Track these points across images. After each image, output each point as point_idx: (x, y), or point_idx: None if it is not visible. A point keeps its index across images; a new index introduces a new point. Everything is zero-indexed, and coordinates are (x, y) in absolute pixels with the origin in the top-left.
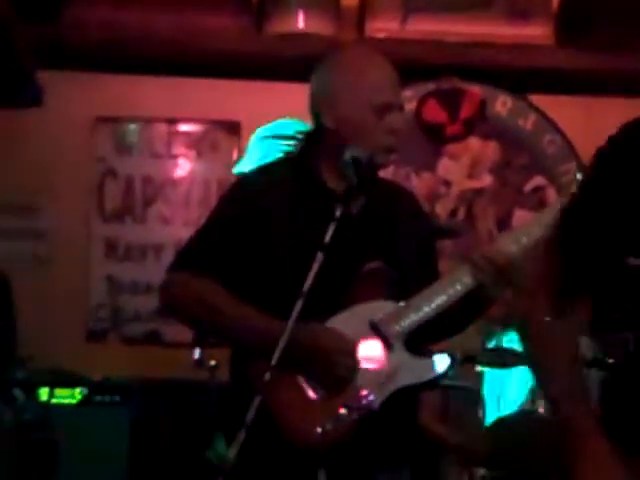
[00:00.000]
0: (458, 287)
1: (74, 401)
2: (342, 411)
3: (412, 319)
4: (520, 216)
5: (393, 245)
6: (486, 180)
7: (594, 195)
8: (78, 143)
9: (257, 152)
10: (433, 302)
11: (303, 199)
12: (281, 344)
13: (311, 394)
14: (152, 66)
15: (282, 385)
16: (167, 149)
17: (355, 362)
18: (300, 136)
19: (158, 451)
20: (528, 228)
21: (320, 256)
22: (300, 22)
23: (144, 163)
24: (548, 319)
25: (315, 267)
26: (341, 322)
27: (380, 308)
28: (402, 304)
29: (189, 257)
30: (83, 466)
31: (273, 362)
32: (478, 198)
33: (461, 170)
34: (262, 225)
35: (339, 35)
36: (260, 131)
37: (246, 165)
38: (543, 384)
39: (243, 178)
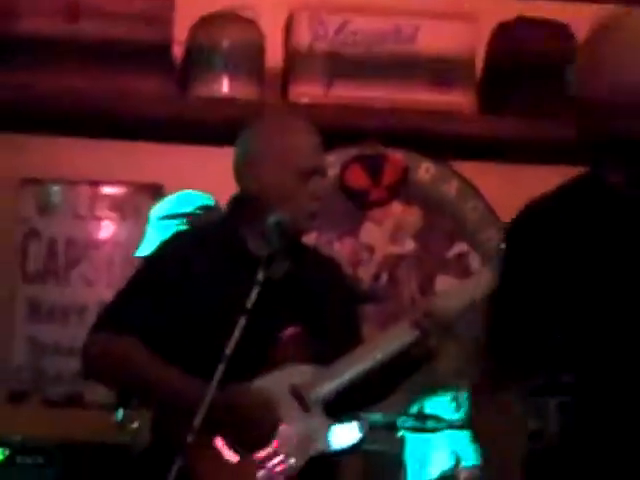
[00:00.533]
0: (392, 346)
1: None
2: (261, 474)
3: (333, 385)
4: (443, 281)
5: (316, 310)
6: (409, 245)
7: (504, 277)
8: (1, 204)
9: (155, 233)
10: (356, 367)
11: (227, 263)
12: (203, 407)
13: (231, 457)
14: (76, 128)
15: (203, 448)
16: (90, 211)
17: (275, 419)
18: (199, 212)
19: None
20: (464, 287)
21: (242, 320)
22: (224, 86)
23: (67, 225)
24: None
25: (237, 331)
26: (263, 384)
27: (301, 373)
28: (324, 369)
29: (111, 318)
30: None
31: (195, 424)
32: (401, 263)
33: (384, 235)
34: (185, 287)
35: (263, 99)
36: (157, 210)
37: (145, 248)
38: None
39: (168, 240)
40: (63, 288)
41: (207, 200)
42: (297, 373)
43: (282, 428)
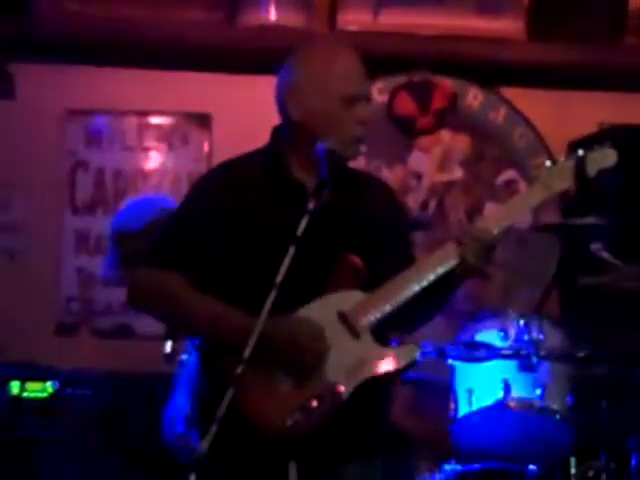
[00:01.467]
0: (437, 269)
1: (45, 395)
2: (312, 402)
3: (381, 310)
4: (491, 208)
5: (364, 235)
6: (457, 173)
7: None
8: (49, 136)
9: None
10: (404, 292)
11: (273, 194)
12: (253, 337)
13: (280, 384)
14: (123, 58)
15: (251, 377)
16: (138, 142)
17: (323, 347)
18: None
19: (128, 445)
20: (509, 210)
21: (292, 249)
22: (272, 15)
23: (115, 155)
24: None
25: (287, 260)
26: (310, 312)
27: (349, 298)
28: (372, 294)
29: (157, 252)
30: (53, 459)
31: (246, 355)
32: (449, 191)
33: (432, 163)
34: (232, 219)
35: (311, 28)
36: (115, 224)
37: (106, 267)
38: None
39: (212, 173)
40: (111, 219)
41: (166, 204)
42: (345, 299)
43: (331, 354)
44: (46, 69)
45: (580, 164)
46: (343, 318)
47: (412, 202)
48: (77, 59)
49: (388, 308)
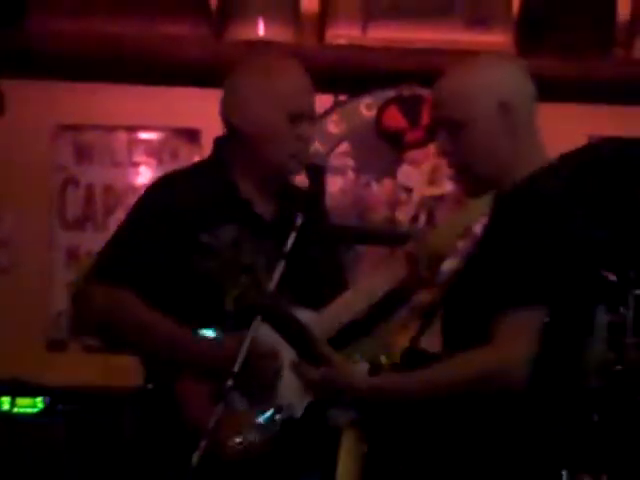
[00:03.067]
0: (386, 284)
1: (36, 410)
2: (262, 420)
3: (331, 328)
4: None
5: (306, 252)
6: (447, 186)
7: None
8: (39, 151)
9: None
10: (354, 307)
11: (218, 208)
12: (242, 351)
13: (235, 404)
14: (112, 74)
15: (207, 397)
16: (128, 157)
17: (279, 366)
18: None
19: (120, 460)
20: (454, 219)
21: (282, 264)
22: (260, 29)
23: (105, 171)
24: None
25: (277, 275)
26: (262, 331)
27: (300, 317)
28: (322, 313)
29: (107, 268)
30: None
31: (236, 369)
32: (439, 205)
33: (422, 177)
34: (178, 235)
35: (299, 42)
36: None
37: None
38: None
39: (160, 184)
40: (101, 235)
41: None
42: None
43: (284, 374)
44: (36, 85)
45: None
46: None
47: (402, 216)
48: (67, 75)
49: (339, 326)
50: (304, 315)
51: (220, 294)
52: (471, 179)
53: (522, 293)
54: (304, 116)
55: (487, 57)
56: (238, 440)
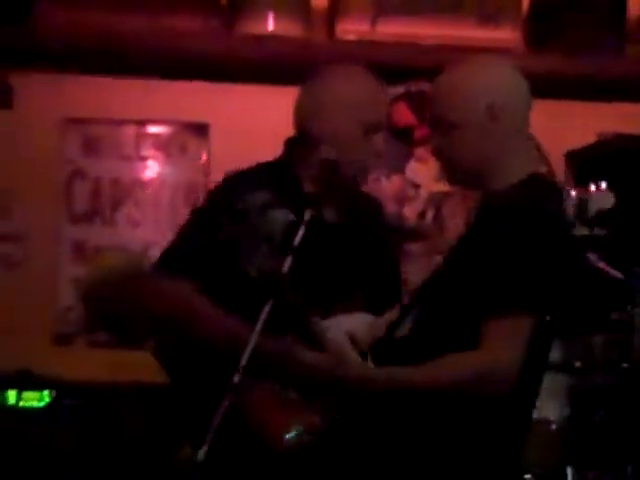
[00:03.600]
0: None
1: (42, 404)
2: (315, 420)
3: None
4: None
5: (367, 258)
6: None
7: None
8: (47, 144)
9: None
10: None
11: (282, 205)
12: (250, 345)
13: (288, 398)
14: (121, 67)
15: (257, 388)
16: (136, 151)
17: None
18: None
19: (127, 455)
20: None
21: (289, 259)
22: (270, 24)
23: (112, 164)
24: None
25: (286, 269)
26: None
27: (358, 320)
28: (378, 317)
29: (168, 259)
30: (50, 468)
31: (243, 363)
32: (446, 201)
33: (429, 173)
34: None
35: (309, 37)
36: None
37: None
38: None
39: (226, 182)
40: (108, 229)
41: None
42: (355, 321)
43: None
44: (44, 78)
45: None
46: (353, 340)
47: (410, 212)
48: (75, 68)
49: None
50: (365, 318)
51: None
52: (457, 175)
53: (512, 299)
54: (379, 127)
55: (482, 59)
56: (293, 433)
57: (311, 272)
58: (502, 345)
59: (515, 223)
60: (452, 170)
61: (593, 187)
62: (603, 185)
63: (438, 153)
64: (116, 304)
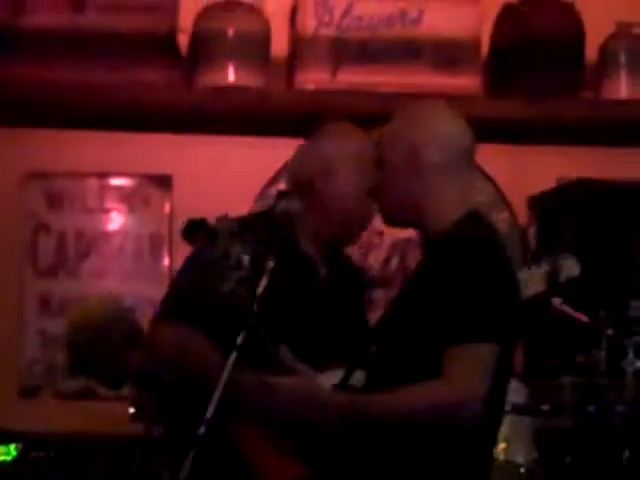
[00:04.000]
0: None
1: (9, 458)
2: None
3: None
4: None
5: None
6: None
7: None
8: (10, 198)
9: None
10: None
11: (279, 262)
12: (218, 390)
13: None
14: (82, 120)
15: (258, 433)
16: (99, 203)
17: None
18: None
19: None
20: None
21: (255, 308)
22: (230, 75)
23: (76, 217)
24: None
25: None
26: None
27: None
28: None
29: (178, 308)
30: None
31: (209, 415)
32: (411, 247)
33: None
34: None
35: (269, 87)
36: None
37: None
38: None
39: (222, 233)
40: (74, 281)
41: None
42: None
43: None
44: (5, 132)
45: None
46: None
47: (374, 260)
48: (36, 122)
49: None
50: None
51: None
52: (388, 214)
53: (472, 329)
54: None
55: (420, 104)
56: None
57: (301, 323)
58: (463, 373)
59: (460, 254)
60: (383, 209)
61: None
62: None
63: (373, 193)
64: (100, 348)
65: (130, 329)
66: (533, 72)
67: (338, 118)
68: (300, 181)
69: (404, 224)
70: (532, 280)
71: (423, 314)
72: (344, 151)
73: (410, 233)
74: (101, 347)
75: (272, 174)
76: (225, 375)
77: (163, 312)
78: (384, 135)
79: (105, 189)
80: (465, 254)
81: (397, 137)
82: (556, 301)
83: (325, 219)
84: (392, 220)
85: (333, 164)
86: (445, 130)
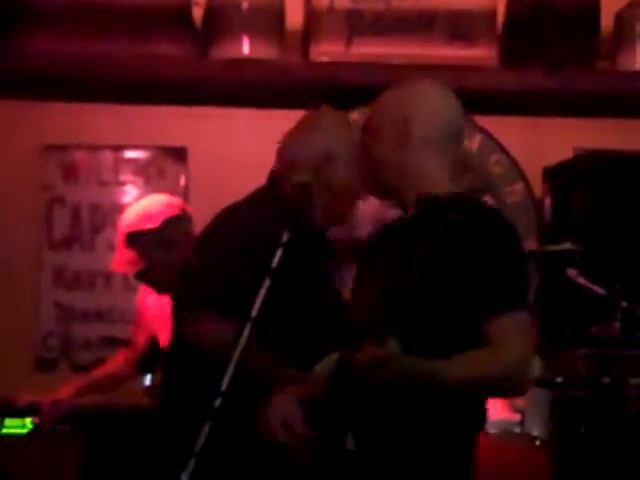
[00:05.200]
0: None
1: (24, 431)
2: None
3: None
4: None
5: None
6: None
7: None
8: (25, 171)
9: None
10: None
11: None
12: (231, 367)
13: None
14: (98, 93)
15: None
16: (114, 176)
17: None
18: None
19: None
20: None
21: (267, 282)
22: (245, 47)
23: (91, 190)
24: None
25: (262, 293)
26: None
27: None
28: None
29: (216, 301)
30: None
31: (223, 388)
32: None
33: None
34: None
35: (284, 60)
36: (126, 223)
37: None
38: None
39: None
40: (88, 254)
41: (176, 204)
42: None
43: None
44: (22, 105)
45: None
46: None
47: None
48: (53, 95)
49: None
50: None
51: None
52: (374, 184)
53: (512, 297)
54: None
55: (415, 80)
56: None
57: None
58: (516, 340)
59: (488, 225)
60: (368, 178)
61: None
62: None
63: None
64: None
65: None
66: (549, 43)
67: (352, 90)
68: (308, 166)
69: (386, 194)
70: None
71: (454, 283)
72: (341, 138)
73: None
74: None
75: None
76: (241, 345)
77: (207, 302)
78: (376, 106)
79: (120, 162)
80: (492, 224)
81: (388, 109)
82: (571, 273)
83: (329, 201)
84: (376, 189)
85: (333, 152)
86: (435, 106)
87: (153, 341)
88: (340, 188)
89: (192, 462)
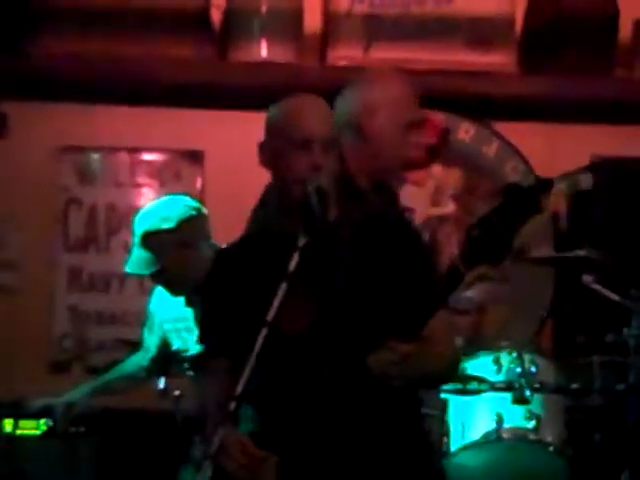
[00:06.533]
0: None
1: (39, 432)
2: None
3: None
4: None
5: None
6: (449, 207)
7: None
8: (42, 173)
9: (140, 250)
10: None
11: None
12: (246, 373)
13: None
14: (116, 96)
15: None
16: (130, 178)
17: None
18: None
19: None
20: None
21: (284, 286)
22: (263, 51)
23: (108, 192)
24: None
25: (278, 298)
26: None
27: None
28: None
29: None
30: None
31: (239, 391)
32: (442, 225)
33: (424, 197)
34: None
35: (302, 63)
36: (141, 222)
37: (133, 265)
38: None
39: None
40: (104, 256)
41: (192, 205)
42: None
43: None
44: (39, 107)
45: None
46: None
47: None
48: (70, 97)
49: None
50: None
51: None
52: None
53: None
54: (417, 123)
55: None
56: None
57: None
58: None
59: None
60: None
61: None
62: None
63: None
64: None
65: None
66: (567, 50)
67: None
68: (349, 122)
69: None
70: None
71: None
72: (383, 92)
73: (441, 211)
74: None
75: None
76: (256, 350)
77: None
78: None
79: (137, 164)
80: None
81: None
82: (587, 279)
83: (373, 154)
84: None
85: (375, 105)
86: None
87: (165, 344)
88: (382, 139)
89: (206, 464)
